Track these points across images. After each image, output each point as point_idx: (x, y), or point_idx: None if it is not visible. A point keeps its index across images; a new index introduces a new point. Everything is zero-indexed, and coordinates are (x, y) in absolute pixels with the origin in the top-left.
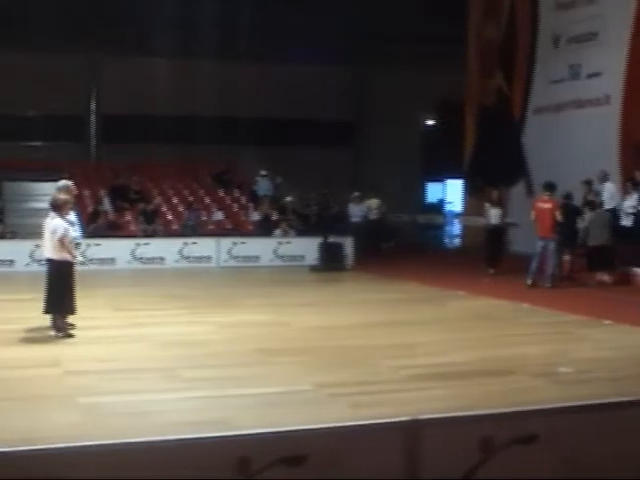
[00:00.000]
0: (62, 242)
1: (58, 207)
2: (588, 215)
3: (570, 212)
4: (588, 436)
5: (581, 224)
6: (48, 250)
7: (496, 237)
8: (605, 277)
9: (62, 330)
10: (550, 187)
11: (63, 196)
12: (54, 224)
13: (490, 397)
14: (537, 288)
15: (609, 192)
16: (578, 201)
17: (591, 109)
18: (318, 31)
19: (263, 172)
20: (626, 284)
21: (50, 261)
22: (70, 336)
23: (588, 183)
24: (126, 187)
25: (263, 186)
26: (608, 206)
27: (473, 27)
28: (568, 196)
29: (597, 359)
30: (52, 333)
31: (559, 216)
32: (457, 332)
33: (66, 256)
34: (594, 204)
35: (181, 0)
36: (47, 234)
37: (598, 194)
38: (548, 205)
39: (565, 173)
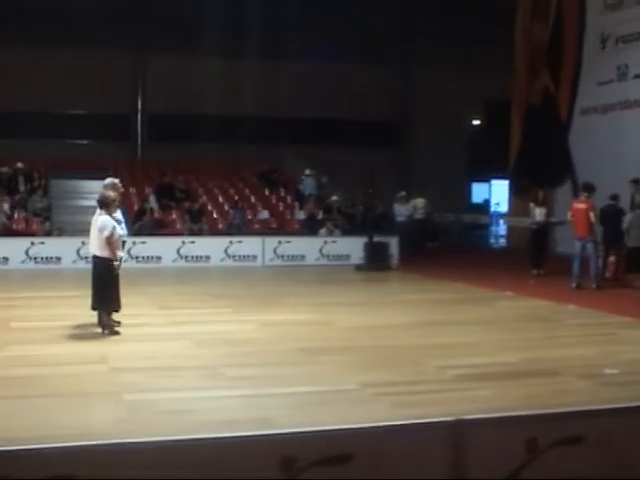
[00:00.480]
0: (109, 240)
1: (106, 205)
2: (628, 216)
3: (613, 213)
4: (635, 437)
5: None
6: (94, 247)
7: (540, 237)
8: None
9: (108, 327)
10: (587, 188)
11: (111, 193)
12: (101, 221)
13: (535, 398)
14: (582, 289)
15: None
16: (625, 203)
17: (638, 110)
18: (367, 31)
19: (308, 171)
20: None
21: (96, 258)
22: (116, 333)
23: (636, 182)
24: (172, 186)
25: (308, 185)
26: None
27: (520, 27)
28: (614, 197)
29: None
30: (98, 330)
31: (593, 217)
32: (503, 333)
33: (110, 254)
34: (634, 204)
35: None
36: (94, 231)
37: None
38: (583, 206)
39: (612, 174)
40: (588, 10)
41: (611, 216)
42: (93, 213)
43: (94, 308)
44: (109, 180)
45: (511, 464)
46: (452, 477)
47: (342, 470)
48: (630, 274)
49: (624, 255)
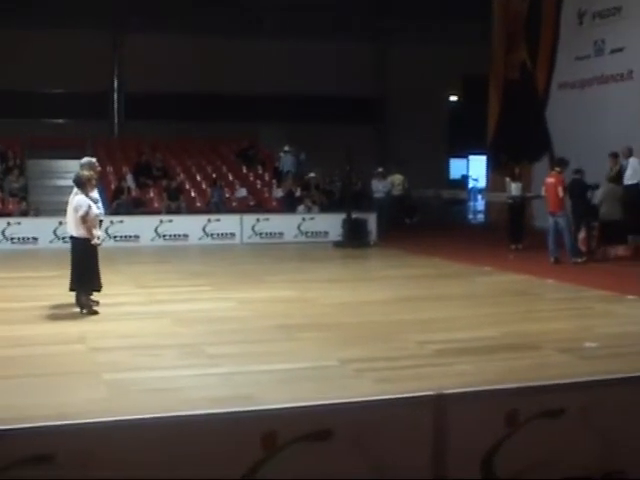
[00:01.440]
0: (84, 219)
1: (82, 184)
2: (600, 190)
3: (578, 188)
4: (615, 409)
5: (595, 199)
6: (71, 227)
7: (517, 212)
8: (620, 251)
9: (86, 307)
10: (559, 163)
11: (87, 173)
12: (77, 201)
13: (516, 372)
14: (561, 264)
15: (633, 168)
16: (592, 176)
17: (614, 84)
18: (343, 7)
19: (286, 148)
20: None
21: (73, 238)
22: (95, 313)
23: (615, 156)
24: (149, 164)
25: (287, 162)
26: (631, 181)
27: (498, 2)
28: (578, 171)
29: (622, 334)
30: (77, 310)
31: (561, 191)
32: (483, 307)
33: (86, 234)
34: (609, 179)
35: None
36: (70, 211)
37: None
38: (552, 180)
39: (589, 148)
40: None
41: (576, 190)
42: (70, 193)
43: (72, 289)
44: (86, 159)
45: (492, 437)
46: (433, 451)
47: (323, 445)
48: (605, 246)
49: (597, 228)
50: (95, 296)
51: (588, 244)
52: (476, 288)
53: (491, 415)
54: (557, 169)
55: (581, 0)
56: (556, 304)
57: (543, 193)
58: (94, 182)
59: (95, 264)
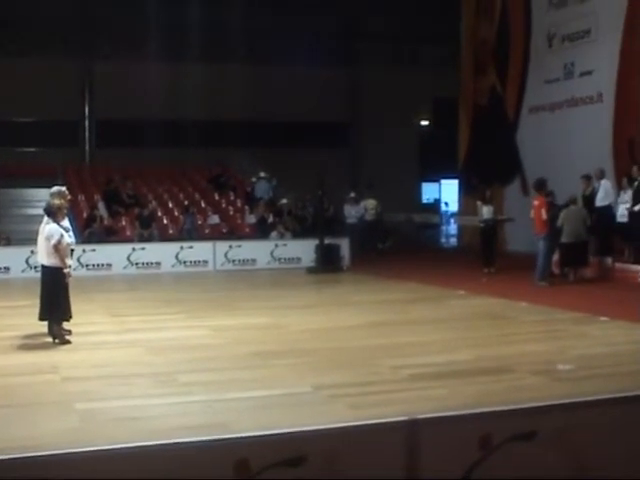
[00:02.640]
0: (56, 248)
1: (53, 213)
2: (563, 212)
3: (551, 210)
4: (588, 432)
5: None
6: (42, 256)
7: (489, 235)
8: (588, 272)
9: (58, 336)
10: (537, 185)
11: (57, 201)
12: (48, 229)
13: (490, 395)
14: (534, 286)
15: (605, 189)
16: (563, 198)
17: (584, 107)
18: (312, 32)
19: (262, 174)
20: (607, 279)
21: (44, 267)
22: (67, 342)
23: (587, 178)
24: (118, 192)
25: (261, 188)
26: (603, 203)
27: (467, 26)
28: (549, 194)
29: (596, 356)
30: (49, 340)
31: (544, 214)
32: (456, 331)
33: (58, 263)
34: (569, 202)
35: (172, 3)
36: (41, 240)
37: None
38: (535, 202)
39: (561, 171)
40: (533, 8)
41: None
42: (41, 222)
43: (42, 319)
44: (56, 188)
45: (466, 461)
46: (407, 477)
47: (297, 472)
48: (567, 268)
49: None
50: (67, 325)
51: (561, 266)
52: (450, 312)
53: (464, 439)
54: (536, 192)
55: (550, 23)
56: (530, 326)
57: (532, 216)
58: (65, 211)
59: (66, 293)
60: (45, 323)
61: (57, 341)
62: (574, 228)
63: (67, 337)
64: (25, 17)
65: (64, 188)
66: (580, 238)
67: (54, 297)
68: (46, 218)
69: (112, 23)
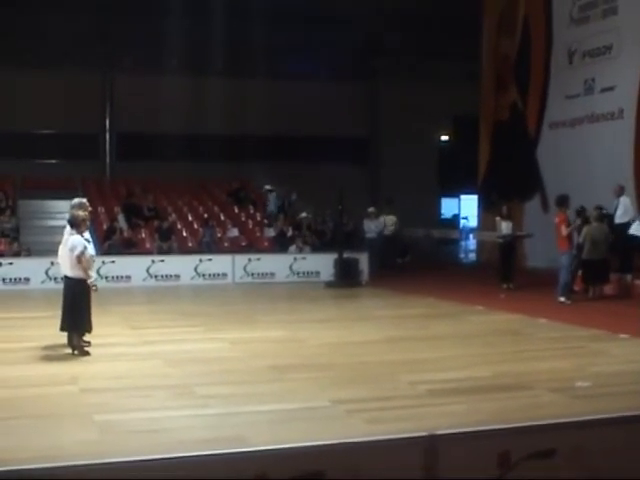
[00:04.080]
0: (80, 259)
1: (77, 224)
2: (584, 229)
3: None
4: (607, 450)
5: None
6: (65, 268)
7: (508, 251)
8: (607, 289)
9: (78, 348)
10: (558, 201)
11: (82, 213)
12: (72, 241)
13: (508, 412)
14: (553, 303)
15: (624, 206)
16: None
17: (605, 123)
18: (334, 47)
19: (268, 187)
20: (628, 296)
21: (68, 279)
22: (86, 354)
23: (581, 212)
24: (139, 205)
25: (273, 201)
26: (622, 220)
27: (488, 43)
28: (582, 210)
29: (614, 373)
30: (68, 351)
31: (564, 230)
32: (475, 347)
33: (81, 274)
34: (587, 219)
35: (193, 17)
36: (65, 251)
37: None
38: (556, 219)
39: (580, 187)
40: (555, 25)
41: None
42: (61, 233)
43: (63, 329)
44: (77, 200)
45: (484, 478)
46: None
47: None
48: (588, 286)
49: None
50: (87, 337)
51: (583, 283)
52: (468, 328)
53: (483, 456)
54: (557, 208)
55: (571, 39)
56: (548, 343)
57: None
58: (87, 222)
59: (88, 305)
60: (65, 334)
61: (76, 352)
62: (596, 245)
63: (86, 349)
64: (46, 29)
65: (85, 200)
66: (601, 255)
67: (76, 308)
68: (68, 229)
69: (133, 36)
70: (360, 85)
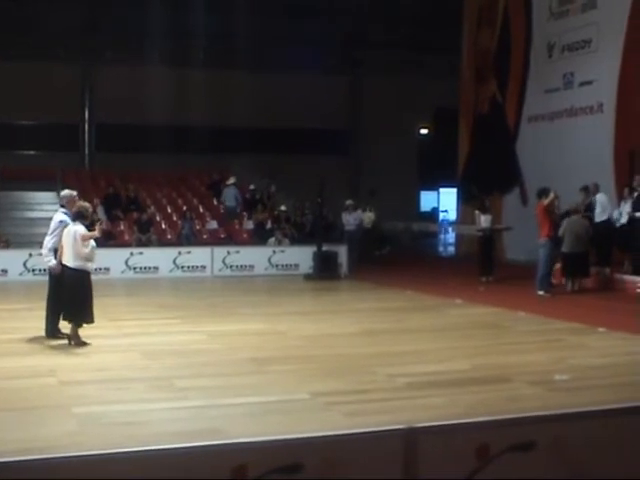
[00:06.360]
0: (86, 241)
1: (86, 216)
2: (564, 223)
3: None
4: (586, 443)
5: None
6: (68, 258)
7: (487, 244)
8: (588, 283)
9: (74, 338)
10: (539, 193)
11: (87, 204)
12: (75, 230)
13: (487, 405)
14: (532, 296)
15: (601, 204)
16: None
17: (584, 117)
18: (314, 40)
19: (232, 180)
20: (605, 290)
21: (69, 269)
22: (84, 344)
23: (586, 189)
24: (118, 196)
25: (229, 195)
26: (601, 218)
27: (467, 36)
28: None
29: (593, 366)
30: (47, 343)
31: (545, 201)
32: (454, 340)
33: (86, 265)
34: (570, 212)
35: (175, 9)
36: (69, 241)
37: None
38: (536, 209)
39: (559, 181)
40: (534, 18)
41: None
42: (41, 225)
43: (66, 319)
44: (67, 191)
45: (463, 471)
46: None
47: (293, 479)
48: (568, 279)
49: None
50: (62, 328)
51: (561, 276)
52: (447, 321)
53: (462, 449)
54: (538, 199)
55: (550, 33)
56: (527, 336)
57: None
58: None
59: (90, 296)
60: (44, 327)
61: (73, 343)
62: (575, 238)
63: (83, 340)
64: (26, 20)
65: (75, 192)
66: (581, 248)
67: (79, 299)
68: (57, 219)
69: (113, 27)
70: (342, 77)
